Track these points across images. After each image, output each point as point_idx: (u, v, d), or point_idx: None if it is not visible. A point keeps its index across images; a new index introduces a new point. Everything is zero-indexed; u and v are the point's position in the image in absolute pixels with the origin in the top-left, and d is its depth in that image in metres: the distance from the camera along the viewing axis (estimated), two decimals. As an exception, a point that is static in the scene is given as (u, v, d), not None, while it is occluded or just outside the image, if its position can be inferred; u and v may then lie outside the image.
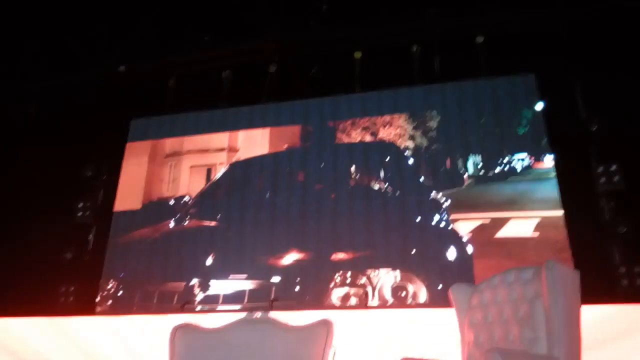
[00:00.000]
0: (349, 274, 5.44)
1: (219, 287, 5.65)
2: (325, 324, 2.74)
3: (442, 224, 5.44)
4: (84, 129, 6.41)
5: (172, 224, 6.24)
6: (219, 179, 6.42)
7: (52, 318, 4.88)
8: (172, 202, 6.37)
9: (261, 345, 2.76)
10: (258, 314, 2.96)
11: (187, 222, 6.23)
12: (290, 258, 5.67)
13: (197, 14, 6.28)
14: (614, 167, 5.07)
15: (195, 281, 5.74)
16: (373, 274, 5.36)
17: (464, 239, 5.28)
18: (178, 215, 6.29)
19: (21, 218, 6.17)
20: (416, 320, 3.95)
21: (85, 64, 6.73)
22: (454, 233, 5.35)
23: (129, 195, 6.42)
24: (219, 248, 5.94)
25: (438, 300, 4.93)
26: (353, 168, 6.00)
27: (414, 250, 5.39)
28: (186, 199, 6.38)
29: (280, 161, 6.28)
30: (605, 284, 4.66)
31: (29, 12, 6.40)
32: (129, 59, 6.72)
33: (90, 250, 6.23)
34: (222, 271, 5.74)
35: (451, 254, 5.25)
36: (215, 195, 6.34)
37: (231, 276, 5.68)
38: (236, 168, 6.43)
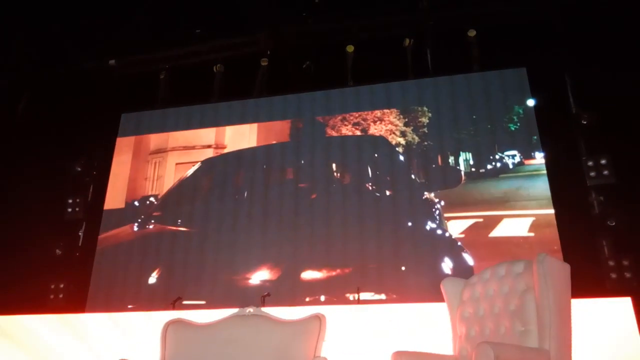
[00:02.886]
0: (322, 298, 5.05)
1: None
2: (318, 318, 2.74)
3: (439, 231, 5.14)
4: (74, 123, 6.34)
5: (135, 228, 5.98)
6: (188, 178, 6.17)
7: (42, 315, 4.84)
8: (136, 203, 6.13)
9: (253, 339, 2.75)
10: (250, 309, 2.95)
11: (151, 226, 5.97)
12: (257, 277, 5.35)
13: (189, 7, 6.21)
14: (603, 161, 5.11)
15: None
16: (352, 298, 4.86)
17: (463, 248, 4.95)
18: (140, 219, 6.02)
19: (11, 214, 6.10)
20: (408, 314, 3.96)
21: (75, 58, 6.65)
22: (451, 241, 5.04)
23: (116, 192, 6.30)
24: (174, 261, 5.63)
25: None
26: (341, 166, 5.79)
27: (403, 267, 5.06)
28: (151, 199, 6.13)
29: (261, 157, 6.05)
30: (594, 277, 4.71)
31: (18, 4, 6.30)
32: (120, 52, 6.66)
33: (80, 246, 6.17)
34: (172, 292, 5.33)
35: (447, 266, 4.95)
36: (182, 197, 6.06)
37: (184, 301, 5.02)
38: (210, 164, 6.19)
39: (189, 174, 6.23)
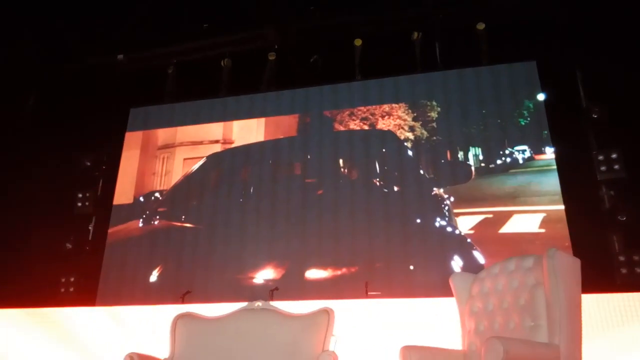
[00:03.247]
0: (330, 292, 4.96)
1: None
2: (326, 312, 2.75)
3: (449, 229, 5.03)
4: (83, 119, 6.37)
5: (142, 223, 6.01)
6: (195, 173, 6.14)
7: (53, 309, 4.89)
8: (141, 198, 6.15)
9: (262, 333, 2.77)
10: (259, 303, 2.96)
11: (158, 221, 5.98)
12: (265, 271, 5.33)
13: (196, 2, 6.21)
14: (614, 155, 5.05)
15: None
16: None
17: (473, 246, 4.85)
18: (145, 214, 6.03)
19: (21, 209, 6.16)
20: (417, 309, 3.95)
21: (83, 53, 6.68)
22: (461, 238, 4.95)
23: (125, 187, 6.33)
24: (183, 255, 5.64)
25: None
26: (349, 161, 5.72)
27: (412, 266, 4.97)
28: (160, 194, 6.13)
29: (268, 152, 6.02)
30: (604, 272, 4.66)
31: (27, 1, 6.33)
32: (128, 47, 6.67)
33: (90, 240, 6.22)
34: (181, 285, 5.34)
35: (457, 265, 4.84)
36: (190, 192, 6.05)
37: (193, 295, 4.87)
38: (217, 159, 6.15)
39: (196, 169, 6.24)
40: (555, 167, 5.21)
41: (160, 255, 5.87)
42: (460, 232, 5.11)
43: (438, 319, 3.78)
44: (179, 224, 5.96)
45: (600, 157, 5.11)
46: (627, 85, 5.07)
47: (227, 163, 6.22)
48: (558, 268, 2.48)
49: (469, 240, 5.04)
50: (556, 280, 2.46)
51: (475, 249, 4.97)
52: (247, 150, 6.19)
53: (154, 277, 5.78)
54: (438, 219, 5.21)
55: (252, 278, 5.49)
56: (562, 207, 4.99)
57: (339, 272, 5.27)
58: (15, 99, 6.80)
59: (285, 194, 5.79)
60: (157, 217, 6.09)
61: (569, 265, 2.55)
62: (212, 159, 6.26)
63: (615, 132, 5.14)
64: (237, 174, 6.11)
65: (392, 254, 5.15)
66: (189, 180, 6.22)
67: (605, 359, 3.52)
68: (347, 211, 5.50)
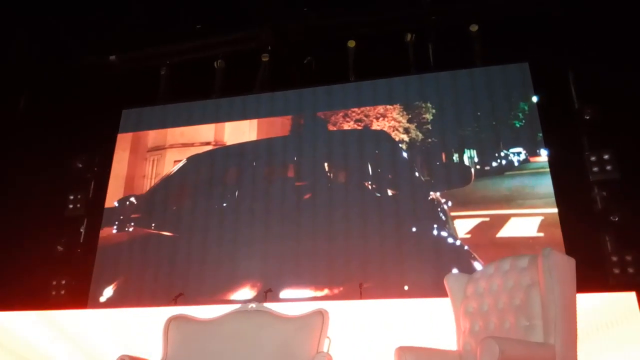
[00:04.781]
0: (325, 292, 4.98)
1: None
2: (320, 314, 2.73)
3: (449, 240, 4.89)
4: (75, 120, 6.32)
5: (114, 231, 5.92)
6: (172, 176, 6.07)
7: (44, 312, 4.84)
8: (116, 203, 6.08)
9: (256, 335, 2.74)
10: (253, 305, 2.93)
11: (131, 228, 5.89)
12: (259, 273, 5.17)
13: (189, 2, 6.19)
14: (606, 156, 5.08)
15: None
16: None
17: (472, 254, 4.72)
18: (119, 220, 5.93)
19: (12, 211, 6.09)
20: (411, 310, 3.94)
21: (75, 54, 6.63)
22: (460, 249, 4.83)
23: (116, 190, 6.28)
24: (176, 257, 5.55)
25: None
26: (343, 162, 5.67)
27: (406, 287, 4.82)
28: (132, 199, 6.04)
29: (262, 152, 5.98)
30: (597, 272, 4.68)
31: (19, 1, 6.28)
32: (121, 48, 6.63)
33: (81, 243, 6.16)
34: (173, 287, 5.18)
35: None
36: (163, 197, 5.97)
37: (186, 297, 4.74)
38: (197, 162, 6.08)
39: (176, 171, 6.17)
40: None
41: (153, 258, 5.82)
42: (459, 242, 4.99)
43: (433, 319, 3.77)
44: (158, 231, 5.89)
45: (593, 158, 5.13)
46: (618, 86, 5.10)
47: (218, 163, 6.16)
48: (553, 267, 2.48)
49: (466, 247, 4.94)
50: (551, 280, 2.46)
51: (476, 259, 4.86)
52: (235, 150, 6.11)
53: (146, 279, 5.73)
54: (435, 227, 5.10)
55: (246, 280, 5.46)
56: (556, 209, 4.98)
57: (333, 274, 5.25)
58: (7, 100, 6.73)
59: (278, 196, 5.76)
60: (132, 223, 5.99)
61: (564, 265, 2.55)
62: (206, 157, 6.20)
63: (607, 133, 5.17)
64: (226, 175, 6.05)
65: (386, 268, 5.01)
66: (183, 179, 6.16)
67: (598, 358, 3.53)
68: (340, 214, 5.48)
